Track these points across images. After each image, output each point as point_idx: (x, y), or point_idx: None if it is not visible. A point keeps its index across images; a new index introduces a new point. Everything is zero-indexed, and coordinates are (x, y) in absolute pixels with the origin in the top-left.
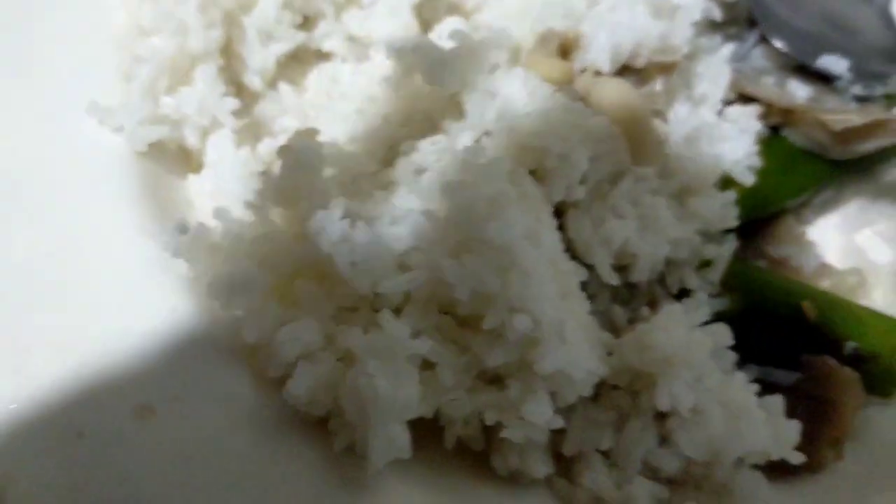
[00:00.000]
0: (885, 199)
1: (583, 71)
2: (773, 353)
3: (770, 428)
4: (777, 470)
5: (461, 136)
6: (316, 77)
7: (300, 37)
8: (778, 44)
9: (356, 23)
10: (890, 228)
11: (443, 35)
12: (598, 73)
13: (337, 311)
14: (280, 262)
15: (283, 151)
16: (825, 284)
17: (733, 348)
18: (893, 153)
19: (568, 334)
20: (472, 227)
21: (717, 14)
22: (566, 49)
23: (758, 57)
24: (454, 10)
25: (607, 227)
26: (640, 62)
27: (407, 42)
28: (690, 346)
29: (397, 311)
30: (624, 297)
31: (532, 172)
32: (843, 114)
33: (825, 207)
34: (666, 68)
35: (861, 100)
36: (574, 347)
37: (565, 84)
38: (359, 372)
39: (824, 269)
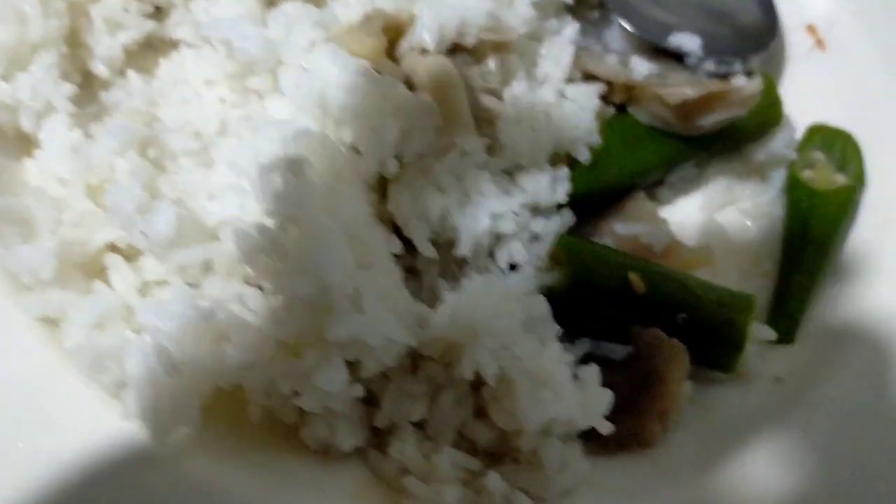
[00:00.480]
0: (752, 178)
1: (411, 50)
2: (605, 327)
3: (579, 397)
4: (606, 445)
5: (275, 110)
6: (165, 65)
7: (149, 25)
8: (627, 26)
9: (202, 10)
10: (755, 206)
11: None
12: (423, 52)
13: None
14: None
15: None
16: (675, 262)
17: (566, 321)
18: (762, 132)
19: (365, 303)
20: (272, 199)
21: None
22: (398, 29)
23: (615, 38)
24: None
25: (426, 200)
26: (469, 41)
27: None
28: (499, 316)
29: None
30: (453, 271)
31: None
32: (679, 87)
33: (688, 186)
34: (499, 47)
35: (716, 77)
36: (372, 316)
37: (377, 60)
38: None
39: (675, 246)
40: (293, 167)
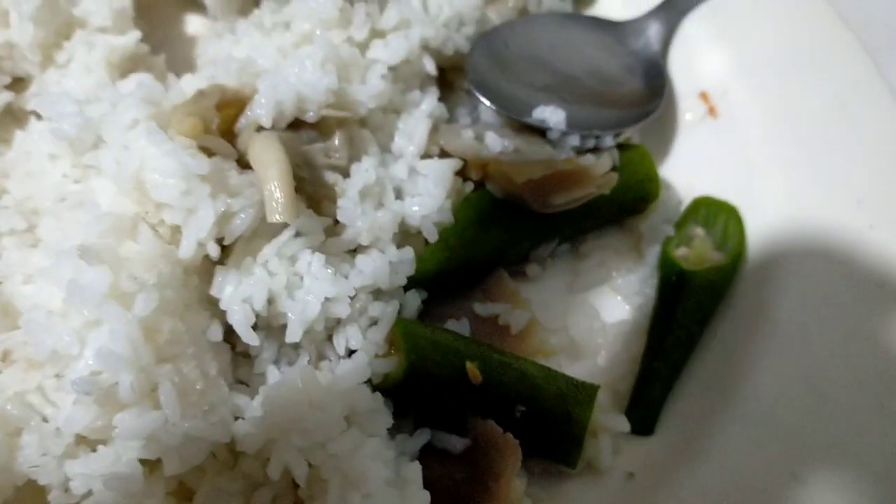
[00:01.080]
0: (629, 254)
1: (247, 127)
2: (444, 417)
3: (396, 498)
4: None
5: (98, 189)
6: (21, 136)
7: (7, 97)
8: (486, 102)
9: (54, 81)
10: (628, 284)
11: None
12: (260, 128)
13: None
14: None
15: None
16: (532, 345)
17: (406, 410)
18: (642, 206)
19: (163, 399)
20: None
21: (432, 68)
22: (239, 104)
23: (486, 110)
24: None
25: (250, 285)
26: (310, 117)
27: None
28: (315, 410)
29: None
30: (289, 356)
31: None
32: (527, 166)
33: (559, 262)
34: (342, 122)
35: (585, 151)
36: (170, 413)
37: (203, 137)
38: None
39: (533, 328)
40: (87, 256)
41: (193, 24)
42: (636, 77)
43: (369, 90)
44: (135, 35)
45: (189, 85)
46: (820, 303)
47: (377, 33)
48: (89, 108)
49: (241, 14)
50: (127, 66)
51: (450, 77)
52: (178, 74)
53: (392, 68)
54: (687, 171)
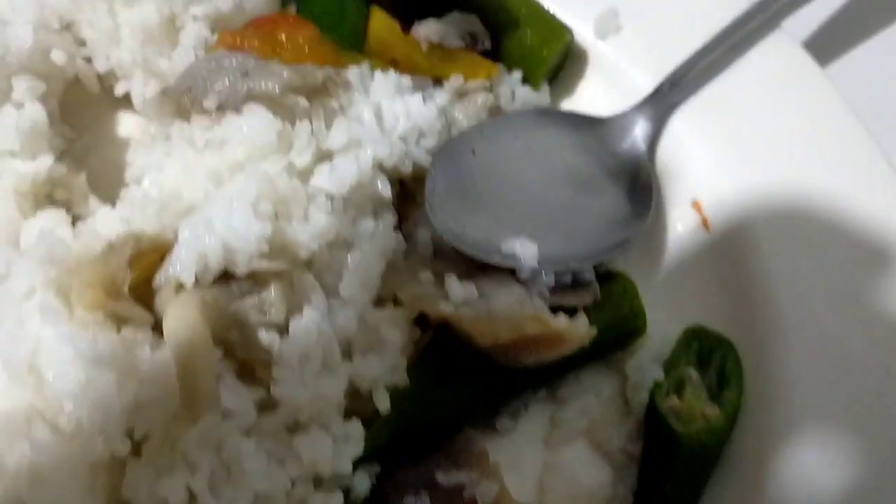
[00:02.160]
0: (613, 402)
1: (166, 283)
2: None
3: None
4: None
5: None
6: None
7: None
8: (453, 244)
9: None
10: (610, 441)
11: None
12: (180, 287)
13: None
14: None
15: None
16: None
17: None
18: (626, 342)
19: None
20: None
21: (386, 191)
22: (160, 253)
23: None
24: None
25: (169, 480)
26: (240, 270)
27: None
28: None
29: None
30: None
31: None
32: (495, 325)
33: (534, 411)
34: (280, 274)
35: (559, 289)
36: None
37: (114, 303)
38: None
39: (504, 500)
40: None
41: (127, 123)
42: (620, 185)
43: (312, 229)
44: (46, 161)
45: (104, 224)
46: None
47: (323, 154)
48: None
49: (177, 115)
50: (41, 191)
51: (410, 187)
52: (104, 193)
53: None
54: (677, 294)
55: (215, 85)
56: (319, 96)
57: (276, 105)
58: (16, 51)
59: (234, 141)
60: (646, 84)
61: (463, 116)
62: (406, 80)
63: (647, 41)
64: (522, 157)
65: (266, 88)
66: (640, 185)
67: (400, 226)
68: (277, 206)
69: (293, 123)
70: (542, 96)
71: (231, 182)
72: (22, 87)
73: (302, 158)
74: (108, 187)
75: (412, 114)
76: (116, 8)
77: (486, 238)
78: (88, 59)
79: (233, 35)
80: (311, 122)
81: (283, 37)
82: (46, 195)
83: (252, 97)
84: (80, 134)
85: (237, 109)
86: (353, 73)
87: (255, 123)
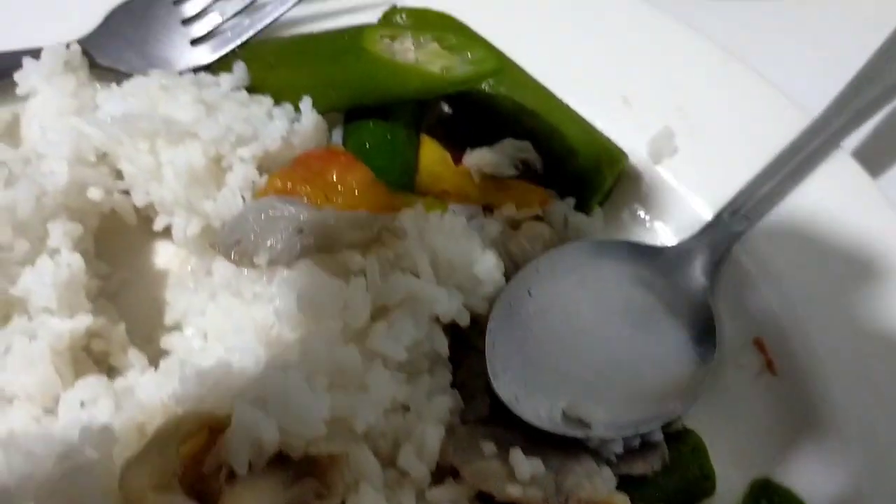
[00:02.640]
0: None
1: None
2: None
3: None
4: None
5: None
6: None
7: None
8: (517, 413)
9: None
10: None
11: None
12: (231, 477)
13: None
14: None
15: None
16: None
17: None
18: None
19: None
20: None
21: (444, 348)
22: (215, 426)
23: None
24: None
25: None
26: (297, 454)
27: None
28: None
29: None
30: None
31: None
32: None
33: None
34: (335, 459)
35: (628, 455)
36: None
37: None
38: None
39: None
40: None
41: (165, 255)
42: (682, 323)
43: (370, 400)
44: (85, 319)
45: (147, 392)
46: None
47: (378, 310)
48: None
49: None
50: (79, 346)
51: (462, 331)
52: (141, 334)
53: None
54: (741, 444)
55: (267, 240)
56: (374, 248)
57: (330, 261)
58: (52, 190)
59: (285, 300)
60: (704, 210)
61: (517, 250)
62: (460, 222)
63: (705, 164)
64: (580, 294)
65: (320, 246)
66: (702, 324)
67: (454, 373)
68: (333, 376)
69: (347, 280)
70: (595, 222)
71: (283, 346)
72: (58, 232)
73: (357, 319)
74: (147, 328)
75: (469, 262)
76: (159, 146)
77: (552, 404)
78: (125, 192)
79: (282, 178)
80: (365, 277)
81: (335, 177)
82: (83, 347)
83: (306, 253)
84: (114, 268)
85: (289, 265)
86: (407, 218)
87: (309, 283)
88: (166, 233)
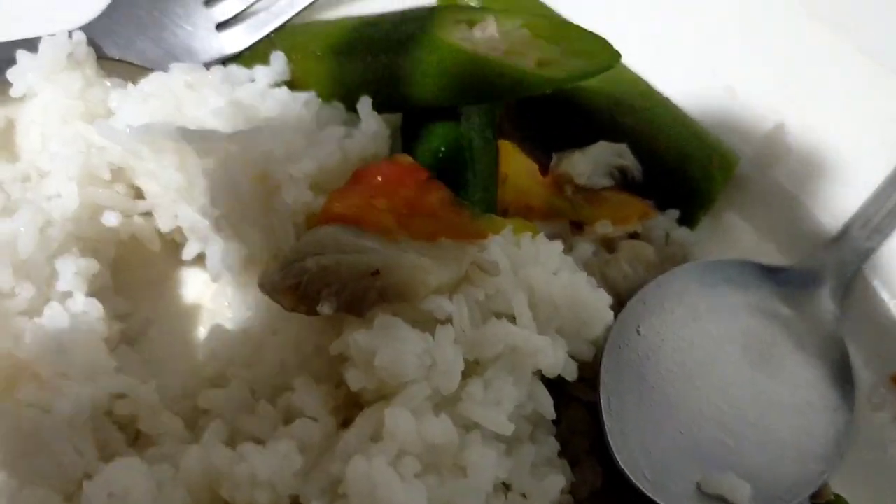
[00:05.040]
0: None
1: None
2: None
3: None
4: None
5: None
6: None
7: None
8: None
9: None
10: None
11: None
12: None
13: None
14: None
15: None
16: None
17: None
18: None
19: None
20: None
21: (549, 409)
22: None
23: None
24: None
25: None
26: None
27: None
28: None
29: None
30: None
31: None
32: None
33: None
34: None
35: None
36: None
37: None
38: None
39: None
40: None
41: (195, 286)
42: (813, 362)
43: (472, 484)
44: (108, 382)
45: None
46: None
47: (470, 368)
48: None
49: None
50: (101, 413)
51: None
52: (176, 397)
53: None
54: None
55: (332, 284)
56: (462, 288)
57: (411, 310)
58: (59, 217)
59: (358, 361)
60: (827, 221)
61: (617, 276)
62: (557, 249)
63: (825, 167)
64: (694, 328)
65: (400, 291)
66: (836, 359)
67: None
68: (424, 458)
69: (432, 331)
70: (701, 237)
71: (360, 422)
72: (68, 271)
73: (449, 381)
74: (180, 380)
75: (573, 299)
76: (188, 161)
77: (683, 476)
78: (147, 214)
79: (343, 201)
80: (453, 326)
81: (408, 198)
82: (105, 412)
83: (382, 299)
84: (136, 304)
85: (361, 315)
86: (497, 248)
87: (387, 338)
88: (197, 261)
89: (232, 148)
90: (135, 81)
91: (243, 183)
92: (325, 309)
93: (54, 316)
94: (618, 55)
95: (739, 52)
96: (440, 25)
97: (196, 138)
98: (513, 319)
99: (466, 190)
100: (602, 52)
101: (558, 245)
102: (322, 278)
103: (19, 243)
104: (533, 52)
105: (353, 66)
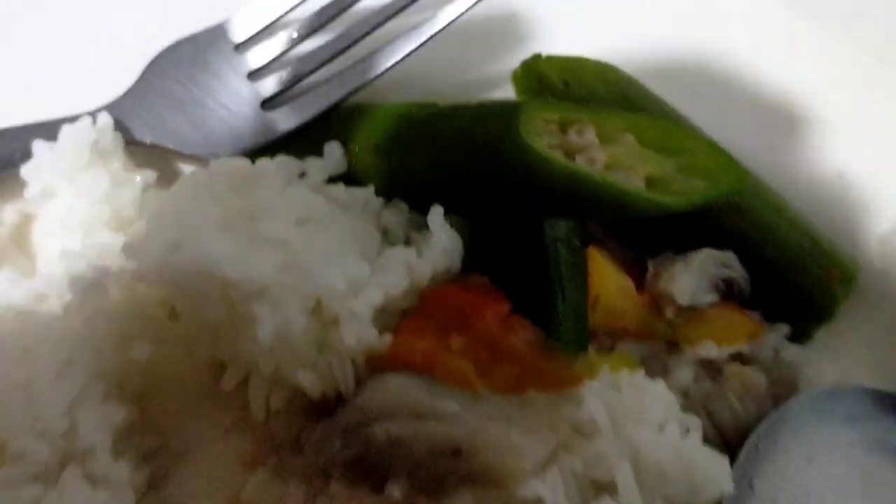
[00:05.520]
0: None
1: None
2: None
3: None
4: None
5: None
6: None
7: None
8: None
9: None
10: None
11: None
12: None
13: None
14: None
15: None
16: None
17: None
18: None
19: None
20: None
21: None
22: None
23: None
24: None
25: None
26: None
27: None
28: None
29: None
30: None
31: None
32: None
33: None
34: None
35: None
36: None
37: None
38: None
39: None
40: None
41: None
42: None
43: None
44: None
45: None
46: None
47: None
48: None
49: None
50: None
51: None
52: None
53: None
54: None
55: (404, 462)
56: (556, 457)
57: (496, 497)
58: (80, 358)
59: None
60: None
61: (724, 412)
62: (665, 396)
63: None
64: (810, 473)
65: (487, 478)
66: None
67: None
68: None
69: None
70: (815, 358)
71: None
72: (89, 424)
73: None
74: None
75: (685, 464)
76: (234, 293)
77: None
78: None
79: (412, 341)
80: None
81: (490, 337)
82: None
83: (464, 483)
84: (163, 436)
85: (438, 501)
86: (592, 398)
87: None
88: (238, 388)
89: (285, 279)
90: (169, 171)
91: (296, 318)
92: (395, 492)
93: (73, 485)
94: (746, 175)
95: (851, 133)
96: (527, 126)
97: (244, 273)
98: (614, 487)
99: (554, 322)
100: (727, 172)
101: (663, 389)
102: (392, 452)
103: (34, 390)
104: (641, 165)
105: (421, 164)
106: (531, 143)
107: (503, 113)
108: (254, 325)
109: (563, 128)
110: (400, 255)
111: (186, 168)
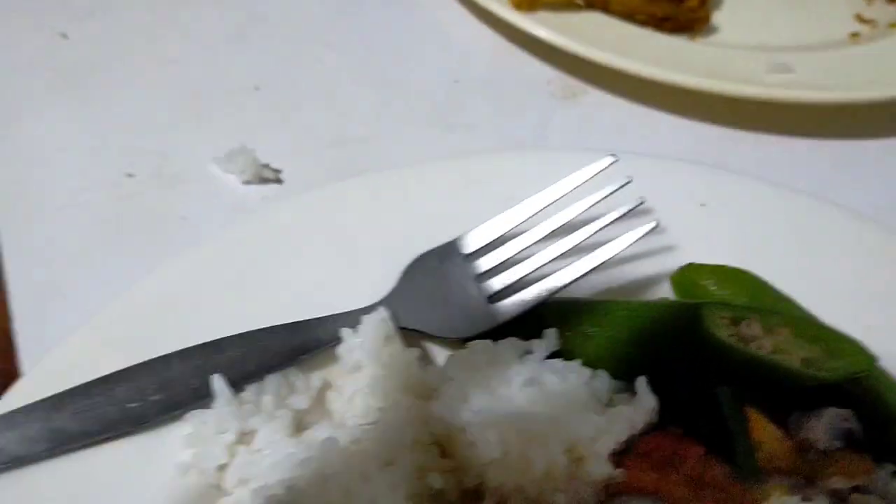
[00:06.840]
0: None
1: None
2: None
3: None
4: None
5: None
6: None
7: None
8: None
9: None
10: None
11: None
12: None
13: None
14: None
15: None
16: None
17: None
18: None
19: None
20: None
21: None
22: None
23: None
24: None
25: None
26: None
27: None
28: None
29: None
30: None
31: None
32: None
33: None
34: None
35: None
36: None
37: None
38: None
39: None
40: None
41: None
42: None
43: None
44: None
45: None
46: None
47: None
48: None
49: None
50: None
51: None
52: None
53: None
54: None
55: None
56: None
57: None
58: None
59: None
60: None
61: None
62: None
63: None
64: None
65: None
66: None
67: None
68: None
69: None
70: None
71: None
72: None
73: None
74: None
75: None
76: (510, 437)
77: None
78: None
79: (645, 476)
80: None
81: (693, 469)
82: None
83: None
84: None
85: None
86: None
87: None
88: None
89: (546, 428)
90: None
91: (559, 458)
92: None
93: None
94: (874, 358)
95: None
96: (709, 321)
97: (523, 420)
98: None
99: (735, 461)
100: (859, 355)
101: None
102: None
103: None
104: (796, 350)
105: (624, 348)
106: (715, 334)
107: (690, 313)
108: (526, 462)
109: (735, 321)
110: (624, 412)
111: (432, 347)
